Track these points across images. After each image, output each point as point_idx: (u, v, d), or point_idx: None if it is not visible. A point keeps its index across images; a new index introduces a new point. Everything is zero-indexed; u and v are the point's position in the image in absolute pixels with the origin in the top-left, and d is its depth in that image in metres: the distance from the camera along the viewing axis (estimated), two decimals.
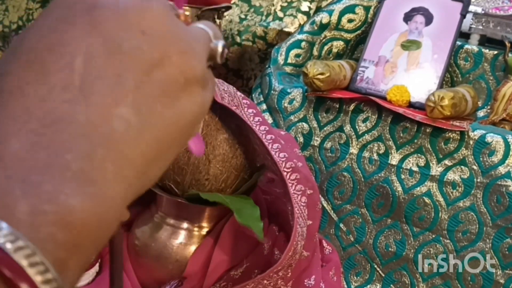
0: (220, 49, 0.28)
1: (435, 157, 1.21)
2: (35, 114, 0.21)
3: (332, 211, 1.30)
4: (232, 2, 1.55)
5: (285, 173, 0.81)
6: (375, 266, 1.26)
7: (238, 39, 1.69)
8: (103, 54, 0.23)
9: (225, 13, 1.58)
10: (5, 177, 0.20)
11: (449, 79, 1.36)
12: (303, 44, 1.42)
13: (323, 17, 1.42)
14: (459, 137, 1.19)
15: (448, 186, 1.19)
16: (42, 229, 0.20)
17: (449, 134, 1.19)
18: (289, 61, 1.42)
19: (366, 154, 1.26)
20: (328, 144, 1.30)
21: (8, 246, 0.19)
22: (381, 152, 1.25)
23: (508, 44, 1.28)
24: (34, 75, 0.22)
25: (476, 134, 1.18)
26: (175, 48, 0.24)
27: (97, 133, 0.22)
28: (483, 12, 1.36)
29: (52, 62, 0.22)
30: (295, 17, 1.67)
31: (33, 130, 0.21)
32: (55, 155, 0.21)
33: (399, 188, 1.23)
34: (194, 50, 0.25)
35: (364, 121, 1.28)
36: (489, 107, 1.30)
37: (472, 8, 1.35)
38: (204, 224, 0.87)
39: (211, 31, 0.28)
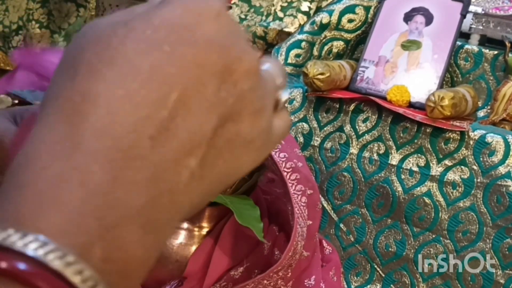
0: (283, 100, 0.27)
1: (435, 157, 1.21)
2: (121, 143, 0.21)
3: (332, 211, 1.30)
4: (232, 2, 1.55)
5: (285, 173, 0.81)
6: (375, 266, 1.26)
7: None
8: (195, 98, 0.22)
9: None
10: (85, 209, 0.20)
11: (449, 79, 1.35)
12: (303, 44, 1.42)
13: (323, 17, 1.42)
14: (459, 137, 1.19)
15: (448, 186, 1.19)
16: (109, 277, 0.20)
17: (449, 134, 1.19)
18: (289, 61, 1.42)
19: (366, 154, 1.26)
20: (328, 144, 1.30)
21: None
22: (381, 152, 1.25)
23: (508, 44, 1.28)
24: (125, 88, 0.21)
25: (476, 134, 1.17)
26: (251, 107, 0.24)
27: (165, 179, 0.22)
28: (483, 12, 1.36)
29: (148, 88, 0.21)
30: (295, 17, 1.67)
31: (115, 160, 0.20)
32: (127, 194, 0.21)
33: (399, 188, 1.23)
34: (265, 110, 0.25)
35: (364, 121, 1.28)
36: (489, 107, 1.30)
37: (472, 8, 1.35)
38: (204, 224, 0.87)
39: (279, 80, 0.27)
